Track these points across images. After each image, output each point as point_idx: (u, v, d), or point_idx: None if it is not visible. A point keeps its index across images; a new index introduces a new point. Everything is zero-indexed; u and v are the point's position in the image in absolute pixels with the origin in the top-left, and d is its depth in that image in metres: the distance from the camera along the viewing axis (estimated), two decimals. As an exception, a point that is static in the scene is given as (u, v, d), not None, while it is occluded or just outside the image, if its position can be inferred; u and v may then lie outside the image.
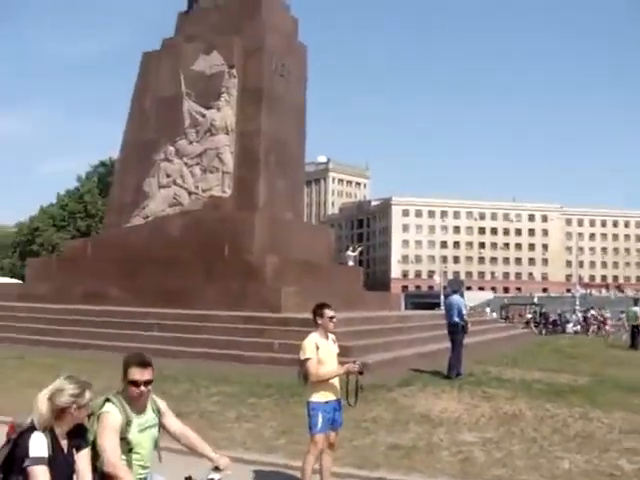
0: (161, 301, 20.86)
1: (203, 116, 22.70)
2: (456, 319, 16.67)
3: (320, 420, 6.77)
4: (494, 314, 63.20)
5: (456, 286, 19.48)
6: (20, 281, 40.28)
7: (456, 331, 16.67)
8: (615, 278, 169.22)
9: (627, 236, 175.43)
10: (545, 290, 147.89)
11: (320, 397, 6.80)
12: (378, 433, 9.90)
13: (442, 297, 74.93)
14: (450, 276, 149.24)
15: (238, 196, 22.47)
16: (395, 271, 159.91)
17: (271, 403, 11.80)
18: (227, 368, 15.25)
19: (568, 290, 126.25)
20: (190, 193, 22.99)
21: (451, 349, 16.49)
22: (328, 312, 6.92)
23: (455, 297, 17.36)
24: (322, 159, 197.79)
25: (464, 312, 17.02)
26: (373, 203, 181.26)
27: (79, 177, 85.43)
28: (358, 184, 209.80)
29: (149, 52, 24.48)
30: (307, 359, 6.75)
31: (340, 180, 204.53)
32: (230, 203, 22.58)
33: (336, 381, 7.00)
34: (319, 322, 6.94)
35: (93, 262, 24.23)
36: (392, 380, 13.91)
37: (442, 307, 19.17)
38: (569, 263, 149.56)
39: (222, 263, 21.76)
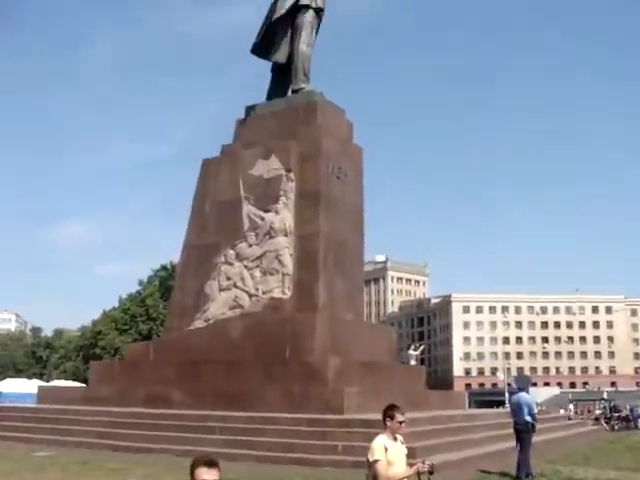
0: (222, 404, 20.82)
1: (262, 219, 23.10)
2: (527, 417, 16.24)
3: None
4: (562, 410, 61.49)
5: (523, 383, 19.00)
6: (83, 384, 40.74)
7: (525, 430, 16.24)
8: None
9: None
10: (613, 384, 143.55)
11: None
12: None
13: (506, 395, 73.22)
14: (514, 372, 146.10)
15: (298, 297, 22.59)
16: (457, 369, 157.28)
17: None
18: (290, 471, 15.05)
19: (637, 383, 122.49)
20: (250, 295, 23.18)
21: (519, 449, 16.02)
22: (399, 416, 6.84)
23: (523, 395, 16.93)
24: (380, 258, 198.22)
25: (535, 410, 16.76)
26: (433, 301, 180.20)
27: (141, 281, 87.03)
28: (417, 282, 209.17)
29: (209, 158, 25.19)
30: (376, 461, 6.64)
31: (399, 278, 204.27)
32: (290, 305, 22.69)
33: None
34: (388, 424, 6.86)
35: (155, 365, 24.41)
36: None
37: (507, 405, 18.55)
38: (637, 355, 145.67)
39: (283, 365, 21.74)
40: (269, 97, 24.46)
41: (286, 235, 22.83)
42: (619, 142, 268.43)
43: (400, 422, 6.85)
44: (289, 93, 24.30)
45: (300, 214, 22.91)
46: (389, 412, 6.91)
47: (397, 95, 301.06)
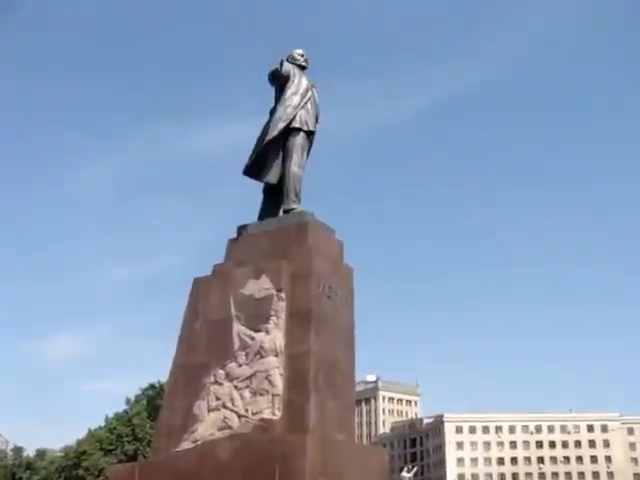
0: (210, 529, 20.12)
1: (252, 339, 22.94)
2: None
3: None
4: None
5: None
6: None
7: None
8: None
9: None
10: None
11: None
12: None
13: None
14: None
15: (288, 418, 22.20)
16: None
17: None
18: None
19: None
20: (240, 416, 22.76)
21: None
22: None
23: None
24: (371, 378, 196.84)
25: None
26: (425, 421, 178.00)
27: (128, 399, 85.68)
28: (409, 402, 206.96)
29: (200, 277, 25.26)
30: None
31: (390, 398, 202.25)
32: (280, 425, 22.26)
33: None
34: None
35: (140, 488, 23.75)
36: None
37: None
38: (638, 476, 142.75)
39: (272, 488, 21.16)
40: (260, 217, 24.73)
41: (276, 355, 22.61)
42: (608, 256, 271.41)
43: None
44: (280, 213, 24.61)
45: (291, 333, 22.75)
46: None
47: (391, 217, 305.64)
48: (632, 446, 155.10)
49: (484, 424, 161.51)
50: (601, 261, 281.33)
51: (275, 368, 22.57)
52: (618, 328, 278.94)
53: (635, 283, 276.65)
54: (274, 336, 22.69)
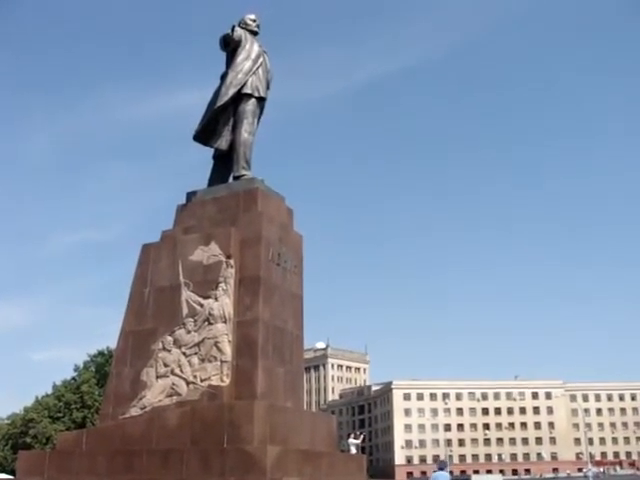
0: (157, 496, 20.11)
1: (201, 305, 22.84)
2: None
3: None
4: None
5: (442, 465, 23.59)
6: (11, 476, 39.14)
7: None
8: (628, 454, 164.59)
9: (635, 409, 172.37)
10: (555, 470, 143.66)
11: None
12: None
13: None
14: (456, 460, 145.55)
15: (237, 385, 22.24)
16: (399, 457, 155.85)
17: None
18: None
19: (579, 469, 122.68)
20: (188, 383, 22.74)
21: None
22: None
23: (441, 473, 21.41)
24: (320, 345, 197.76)
25: None
26: (374, 388, 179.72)
27: (76, 367, 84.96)
28: (358, 369, 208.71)
29: (148, 244, 25.03)
30: None
31: (339, 366, 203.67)
32: (229, 392, 22.29)
33: None
34: None
35: (87, 455, 23.54)
36: None
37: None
38: (578, 441, 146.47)
39: (220, 454, 21.17)
40: (210, 183, 24.54)
41: (225, 322, 22.55)
42: (545, 235, 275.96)
43: None
44: (230, 180, 24.43)
45: (239, 300, 22.70)
46: None
47: (339, 183, 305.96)
48: (574, 412, 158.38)
49: (432, 391, 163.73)
50: (539, 228, 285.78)
51: (224, 335, 22.54)
52: (561, 297, 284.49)
53: (575, 250, 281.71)
54: (223, 303, 22.62)
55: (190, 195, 25.16)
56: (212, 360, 22.76)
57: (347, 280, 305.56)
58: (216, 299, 22.74)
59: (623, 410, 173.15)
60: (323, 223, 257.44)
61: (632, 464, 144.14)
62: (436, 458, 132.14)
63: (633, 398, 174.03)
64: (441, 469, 22.56)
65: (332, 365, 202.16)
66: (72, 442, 25.35)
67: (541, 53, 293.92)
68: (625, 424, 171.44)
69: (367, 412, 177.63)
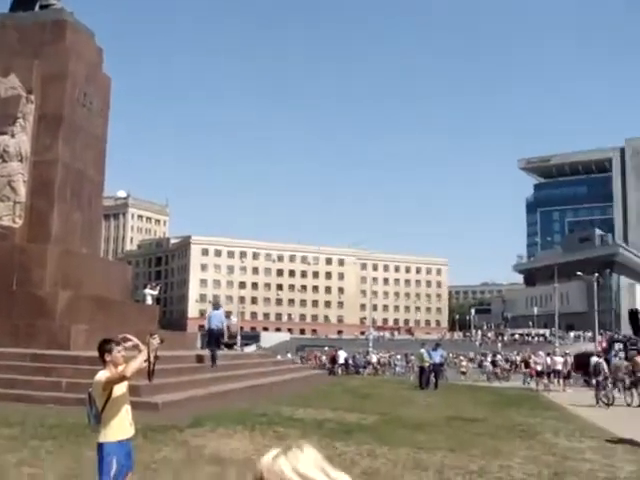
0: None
1: (-5, 141, 21.49)
2: (218, 324, 22.53)
3: (114, 466, 6.28)
4: (289, 355, 64.18)
5: (217, 305, 26.67)
6: None
7: (214, 335, 22.40)
8: (406, 322, 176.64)
9: (418, 282, 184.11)
10: (340, 332, 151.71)
11: (114, 435, 6.35)
12: (167, 475, 9.51)
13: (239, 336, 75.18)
14: (248, 317, 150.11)
15: (30, 227, 21.39)
16: (193, 310, 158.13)
17: (56, 446, 11.08)
18: (9, 409, 14.26)
19: (362, 333, 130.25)
20: (-23, 221, 21.61)
21: (213, 352, 21.91)
22: (117, 348, 6.55)
23: (216, 312, 23.62)
24: (122, 194, 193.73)
25: (224, 321, 23.51)
26: (172, 241, 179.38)
27: None
28: (158, 221, 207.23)
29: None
30: (108, 381, 6.33)
31: (140, 216, 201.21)
32: (21, 234, 21.43)
33: (129, 418, 6.63)
34: (107, 359, 6.54)
35: None
36: (183, 421, 13.63)
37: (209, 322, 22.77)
38: (364, 306, 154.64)
39: (9, 297, 20.54)
40: (13, 9, 22.66)
41: (21, 160, 21.41)
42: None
43: (119, 351, 6.58)
44: (37, 8, 22.67)
45: (38, 139, 21.57)
46: (105, 346, 6.59)
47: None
48: (363, 280, 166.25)
49: (230, 249, 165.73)
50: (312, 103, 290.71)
51: (19, 174, 21.42)
52: (360, 165, 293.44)
53: (367, 122, 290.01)
54: (20, 140, 21.37)
55: (-9, 18, 23.10)
56: (4, 200, 21.69)
57: (152, 134, 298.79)
58: (12, 136, 21.45)
59: (407, 281, 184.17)
60: (129, 67, 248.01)
61: (408, 331, 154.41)
62: (229, 314, 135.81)
63: (418, 271, 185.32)
64: (216, 309, 24.65)
65: (132, 215, 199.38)
66: None
67: None
68: (407, 294, 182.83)
69: (164, 264, 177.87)
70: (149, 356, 6.64)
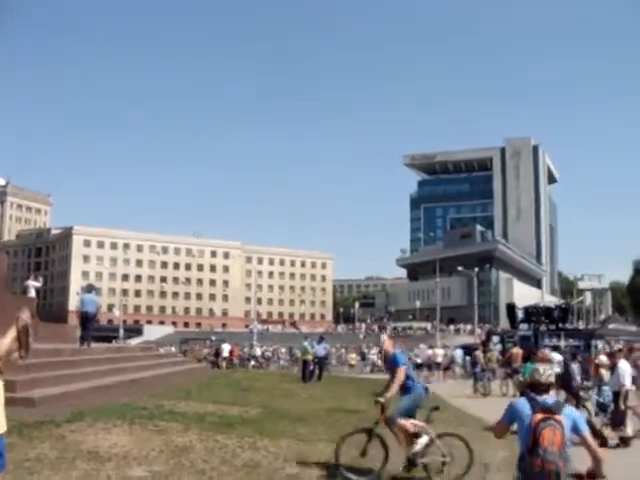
0: None
1: None
2: (86, 310, 23.21)
3: None
4: (172, 348, 63.49)
5: (89, 288, 27.49)
6: None
7: (89, 318, 23.36)
8: (291, 315, 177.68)
9: (302, 275, 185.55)
10: (225, 325, 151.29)
11: None
12: (42, 473, 9.13)
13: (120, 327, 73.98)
14: (130, 310, 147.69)
15: None
16: (73, 303, 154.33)
17: None
18: None
19: (247, 326, 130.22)
20: None
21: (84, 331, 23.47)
22: None
23: (89, 295, 24.48)
24: (1, 182, 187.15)
25: (97, 305, 24.29)
26: (53, 231, 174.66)
27: None
28: (39, 211, 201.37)
29: None
30: None
31: (19, 205, 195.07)
32: None
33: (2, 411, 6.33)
34: None
35: None
36: (61, 416, 13.26)
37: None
38: (248, 300, 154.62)
39: None
40: None
41: None
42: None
43: None
44: None
45: None
46: None
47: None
48: (248, 273, 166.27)
49: (113, 240, 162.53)
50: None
51: None
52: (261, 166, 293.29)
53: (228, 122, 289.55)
54: None
55: None
56: None
57: (33, 114, 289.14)
58: None
59: (292, 275, 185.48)
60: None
61: (292, 324, 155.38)
62: (111, 307, 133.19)
63: (303, 265, 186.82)
64: (89, 291, 25.80)
65: (11, 204, 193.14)
66: None
67: None
68: (292, 288, 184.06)
69: (45, 255, 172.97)
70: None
